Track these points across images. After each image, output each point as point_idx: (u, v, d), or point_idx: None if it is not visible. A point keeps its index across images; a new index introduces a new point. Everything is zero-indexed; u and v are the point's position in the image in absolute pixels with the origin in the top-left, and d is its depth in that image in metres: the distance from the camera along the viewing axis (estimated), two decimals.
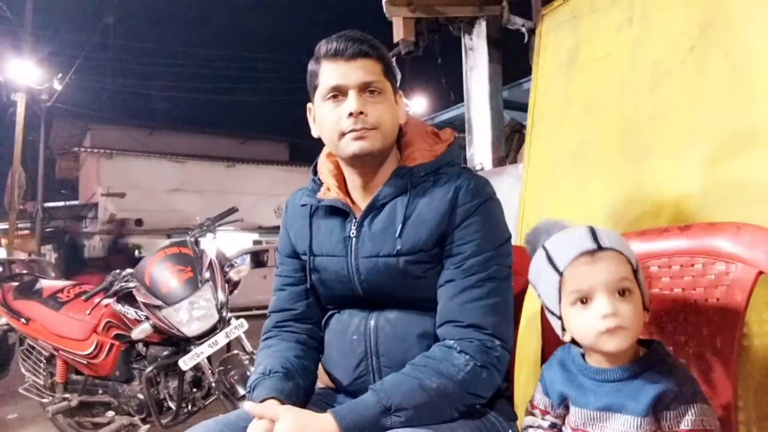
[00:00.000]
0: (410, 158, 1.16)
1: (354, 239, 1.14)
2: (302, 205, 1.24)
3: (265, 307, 1.37)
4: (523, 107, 2.49)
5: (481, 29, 3.05)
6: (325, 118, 1.13)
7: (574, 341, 0.98)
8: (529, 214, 1.82)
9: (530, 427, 1.03)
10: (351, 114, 1.08)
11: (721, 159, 1.25)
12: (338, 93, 1.10)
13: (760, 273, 0.99)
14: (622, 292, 0.89)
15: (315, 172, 1.25)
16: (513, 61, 3.56)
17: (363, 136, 1.09)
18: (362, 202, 1.17)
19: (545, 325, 1.19)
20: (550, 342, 1.07)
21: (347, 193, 1.19)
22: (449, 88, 7.66)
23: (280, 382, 1.08)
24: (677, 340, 1.08)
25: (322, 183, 1.22)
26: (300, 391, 1.12)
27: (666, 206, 1.32)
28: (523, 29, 2.86)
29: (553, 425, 1.01)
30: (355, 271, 1.13)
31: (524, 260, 1.07)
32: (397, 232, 1.10)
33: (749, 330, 1.15)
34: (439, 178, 1.14)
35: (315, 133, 1.20)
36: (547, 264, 0.96)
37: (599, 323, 0.88)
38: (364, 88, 1.10)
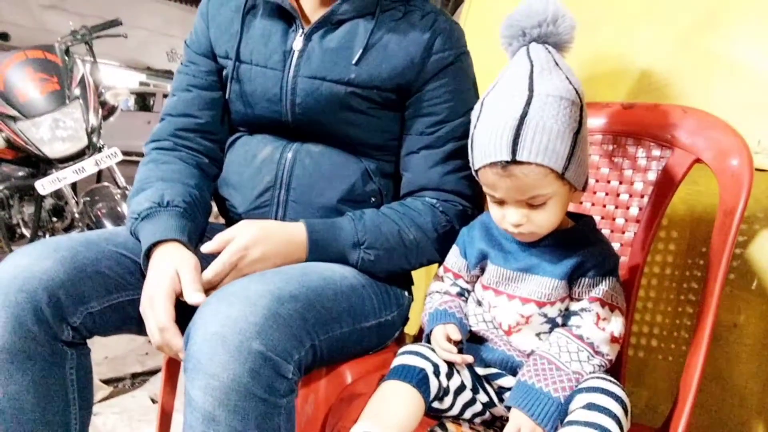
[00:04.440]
0: None
1: (297, 53, 0.96)
2: None
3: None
4: None
5: None
6: None
7: None
8: None
9: (437, 292, 0.95)
10: None
11: (686, 33, 1.17)
12: None
13: (696, 161, 0.94)
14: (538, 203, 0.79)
15: None
16: None
17: None
18: (314, 11, 0.99)
19: None
20: None
21: None
22: None
23: (181, 219, 0.90)
24: (603, 213, 1.05)
25: None
26: (198, 232, 0.96)
27: (623, 80, 1.22)
28: None
29: (461, 292, 0.94)
30: (290, 91, 0.96)
31: None
32: (355, 59, 0.94)
33: (671, 219, 1.14)
34: (412, 12, 0.98)
35: None
36: (468, 146, 0.83)
37: (509, 227, 0.81)
38: None
